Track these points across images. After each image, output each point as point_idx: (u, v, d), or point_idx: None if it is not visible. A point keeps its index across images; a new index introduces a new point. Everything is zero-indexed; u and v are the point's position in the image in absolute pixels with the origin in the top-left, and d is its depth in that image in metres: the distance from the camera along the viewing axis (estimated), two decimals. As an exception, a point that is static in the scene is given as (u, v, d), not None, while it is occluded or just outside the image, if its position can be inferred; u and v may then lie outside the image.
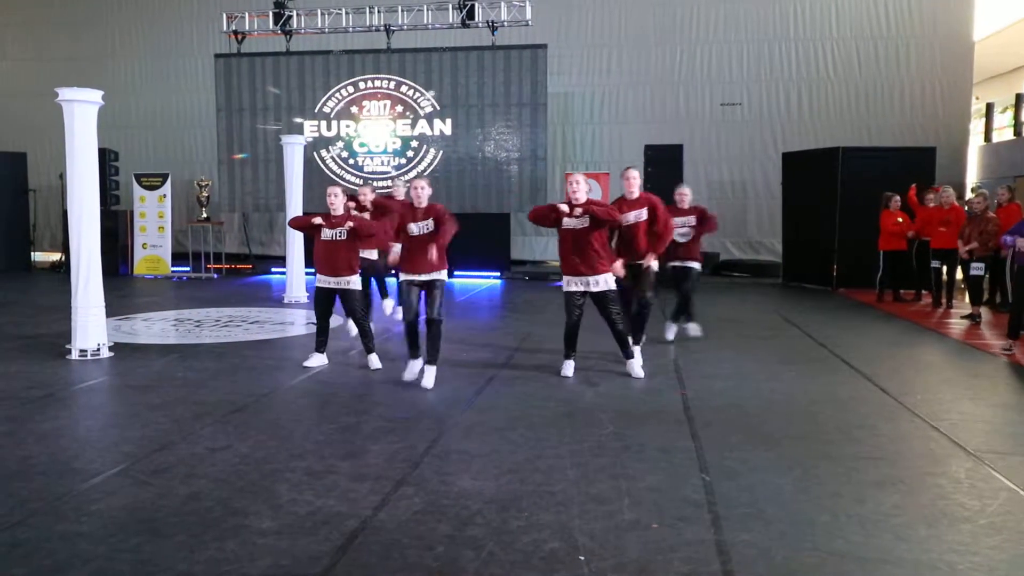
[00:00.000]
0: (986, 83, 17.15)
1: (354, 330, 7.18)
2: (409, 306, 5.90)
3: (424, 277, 5.86)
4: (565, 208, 5.93)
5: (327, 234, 6.36)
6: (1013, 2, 15.07)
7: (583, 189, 6.00)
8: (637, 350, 6.47)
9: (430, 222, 5.82)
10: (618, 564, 2.94)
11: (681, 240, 7.43)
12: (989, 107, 16.14)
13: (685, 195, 7.61)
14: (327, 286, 6.46)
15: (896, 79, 15.02)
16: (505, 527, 3.27)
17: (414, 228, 5.84)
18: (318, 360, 6.58)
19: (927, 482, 3.87)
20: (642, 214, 6.50)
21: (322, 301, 6.54)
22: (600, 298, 6.03)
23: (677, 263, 7.58)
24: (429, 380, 5.82)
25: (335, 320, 7.03)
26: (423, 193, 5.87)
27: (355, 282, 6.51)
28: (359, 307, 6.65)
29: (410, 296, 5.91)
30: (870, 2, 15.10)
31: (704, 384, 5.93)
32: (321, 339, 6.63)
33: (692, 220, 7.51)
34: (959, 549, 3.10)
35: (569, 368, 6.25)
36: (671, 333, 7.78)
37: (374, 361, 6.50)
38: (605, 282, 6.00)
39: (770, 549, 3.08)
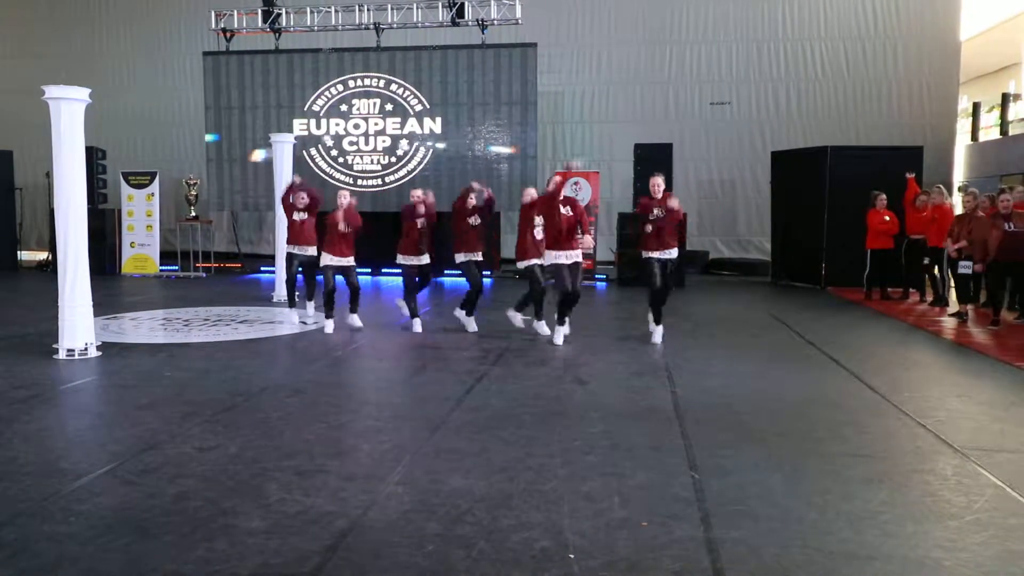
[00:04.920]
0: (973, 83, 17.25)
1: (357, 322, 8.24)
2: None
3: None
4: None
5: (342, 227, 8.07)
6: (999, 2, 15.17)
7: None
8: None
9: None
10: (608, 562, 2.95)
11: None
12: (976, 106, 16.23)
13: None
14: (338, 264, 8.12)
15: (884, 79, 15.11)
16: (495, 526, 3.27)
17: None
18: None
19: (914, 479, 3.89)
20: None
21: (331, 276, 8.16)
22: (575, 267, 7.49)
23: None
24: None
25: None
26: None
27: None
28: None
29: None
30: (858, 2, 15.19)
31: (694, 382, 5.95)
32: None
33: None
34: (946, 545, 3.12)
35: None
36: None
37: (355, 320, 8.18)
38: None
39: (760, 546, 3.09)
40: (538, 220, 7.50)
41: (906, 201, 10.85)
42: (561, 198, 7.39)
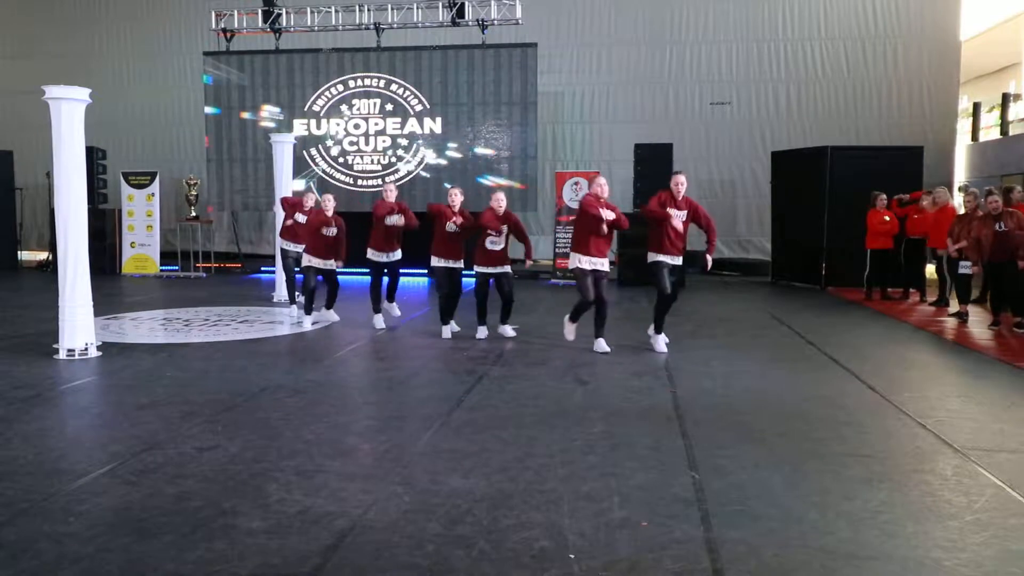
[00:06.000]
0: (973, 83, 17.26)
1: (334, 316, 8.79)
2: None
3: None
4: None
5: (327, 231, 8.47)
6: (999, 2, 15.18)
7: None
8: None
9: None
10: (608, 562, 2.95)
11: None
12: (976, 106, 16.24)
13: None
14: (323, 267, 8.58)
15: (884, 79, 15.10)
16: (495, 526, 3.27)
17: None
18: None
19: (914, 479, 3.89)
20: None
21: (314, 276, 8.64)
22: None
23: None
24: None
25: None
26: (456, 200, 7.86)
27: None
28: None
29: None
30: (858, 2, 15.18)
31: (694, 382, 5.95)
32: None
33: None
34: (946, 545, 3.12)
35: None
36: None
37: (332, 315, 8.79)
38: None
39: (759, 546, 3.09)
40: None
41: (896, 206, 10.89)
42: (602, 201, 6.90)
